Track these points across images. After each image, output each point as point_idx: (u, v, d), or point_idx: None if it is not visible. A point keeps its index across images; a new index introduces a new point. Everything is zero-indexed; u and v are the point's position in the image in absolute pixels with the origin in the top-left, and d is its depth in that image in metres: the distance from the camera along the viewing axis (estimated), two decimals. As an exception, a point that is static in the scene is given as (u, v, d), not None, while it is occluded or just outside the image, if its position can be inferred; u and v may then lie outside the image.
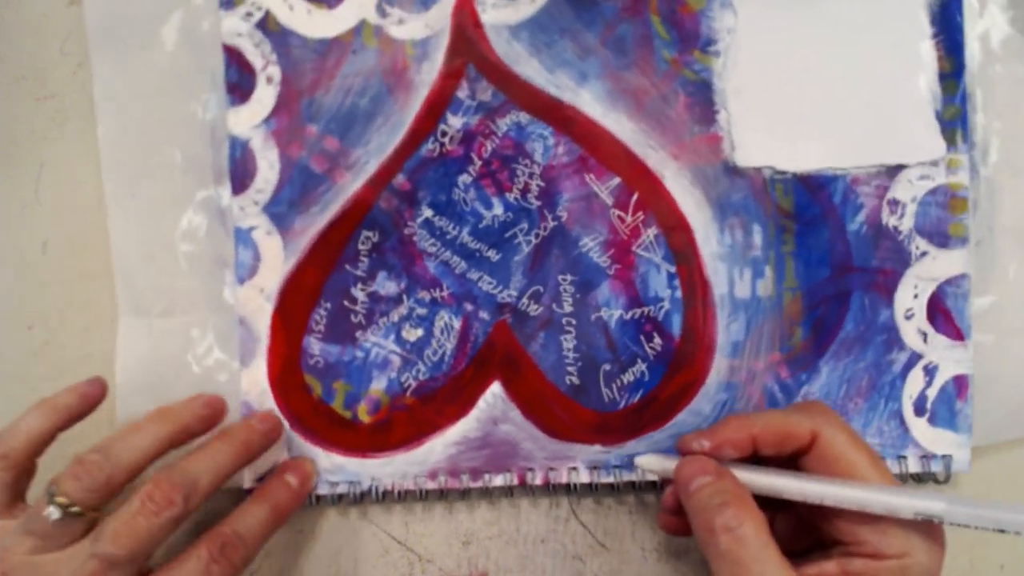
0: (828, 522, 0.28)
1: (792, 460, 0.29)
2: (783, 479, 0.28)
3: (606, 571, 0.35)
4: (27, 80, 0.36)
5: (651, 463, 0.31)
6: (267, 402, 0.34)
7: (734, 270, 0.34)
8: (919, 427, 0.34)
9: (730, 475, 0.28)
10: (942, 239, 0.33)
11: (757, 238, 0.34)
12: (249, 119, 0.34)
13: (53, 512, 0.27)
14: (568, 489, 0.34)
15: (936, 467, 0.33)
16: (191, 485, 0.28)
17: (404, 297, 0.34)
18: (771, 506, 0.29)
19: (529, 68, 0.34)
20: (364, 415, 0.34)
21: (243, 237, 0.34)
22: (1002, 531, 0.25)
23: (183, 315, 0.35)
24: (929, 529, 0.27)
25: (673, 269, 0.34)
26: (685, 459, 0.29)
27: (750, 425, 0.28)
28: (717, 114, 0.34)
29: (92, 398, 0.31)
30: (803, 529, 0.29)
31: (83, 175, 0.35)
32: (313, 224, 0.34)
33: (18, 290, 0.36)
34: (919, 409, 0.34)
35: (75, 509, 0.27)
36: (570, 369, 0.34)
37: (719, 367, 0.34)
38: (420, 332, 0.34)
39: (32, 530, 0.28)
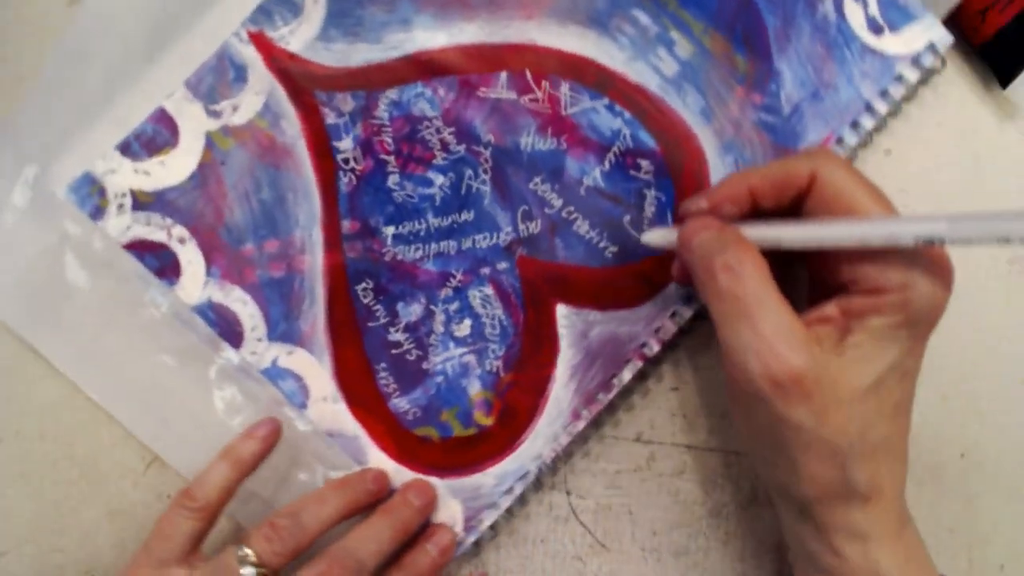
0: (831, 271, 0.27)
1: (795, 210, 0.28)
2: (781, 226, 0.27)
3: (606, 571, 0.35)
4: (27, 80, 0.35)
5: (656, 237, 0.31)
6: (405, 477, 0.34)
7: (650, 59, 0.34)
8: (887, 41, 0.33)
9: (732, 227, 0.28)
10: None
11: (643, 18, 0.34)
12: (195, 284, 0.34)
13: (248, 571, 0.29)
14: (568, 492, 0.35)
15: (927, 61, 0.33)
16: (359, 567, 0.30)
17: (432, 307, 0.34)
18: (776, 266, 0.27)
19: (360, 54, 0.34)
20: (485, 419, 0.34)
21: (274, 373, 0.34)
22: (1007, 241, 0.24)
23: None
24: (933, 260, 0.26)
25: (606, 100, 0.34)
26: (687, 221, 0.29)
27: (746, 177, 0.28)
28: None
29: (273, 441, 0.33)
30: (811, 289, 0.29)
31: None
32: (315, 317, 0.34)
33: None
34: (875, 28, 0.33)
35: (263, 570, 0.29)
36: (601, 245, 0.34)
37: (706, 138, 0.34)
38: (469, 321, 0.34)
39: None
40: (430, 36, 0.34)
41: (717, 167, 0.34)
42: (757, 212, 0.28)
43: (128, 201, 0.34)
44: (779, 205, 0.28)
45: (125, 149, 0.34)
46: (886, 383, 0.26)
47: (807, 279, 0.31)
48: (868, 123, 0.34)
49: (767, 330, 0.25)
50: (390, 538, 0.32)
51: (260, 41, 0.34)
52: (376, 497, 0.33)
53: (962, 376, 0.36)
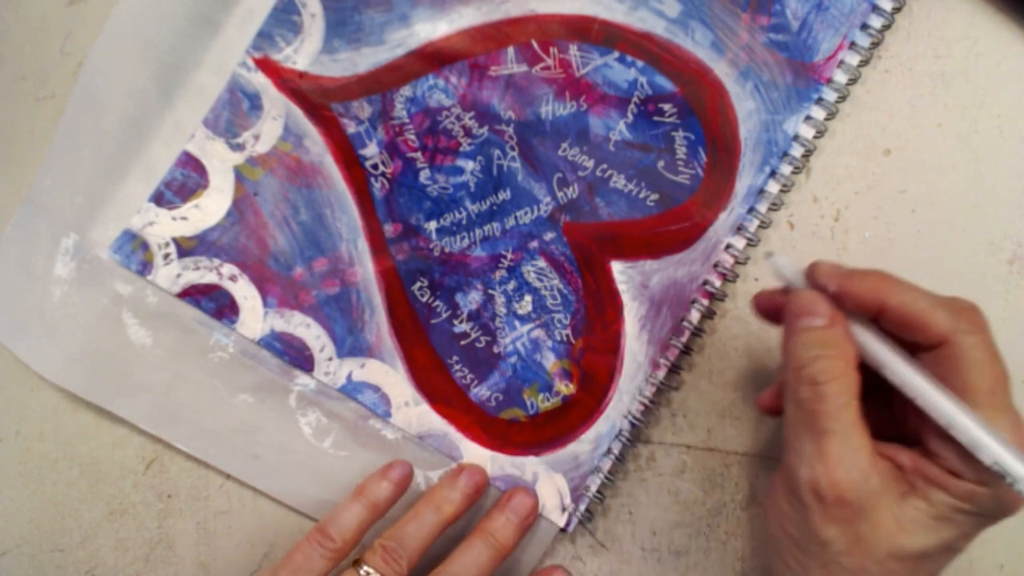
0: (921, 424, 0.26)
1: (909, 348, 0.26)
2: (894, 357, 0.26)
3: (606, 571, 0.35)
4: (27, 80, 0.35)
5: (785, 266, 0.28)
6: (501, 463, 0.35)
7: (651, 4, 0.34)
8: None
9: (842, 324, 0.26)
10: None
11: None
12: (255, 318, 0.34)
13: None
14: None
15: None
16: None
17: (490, 291, 0.35)
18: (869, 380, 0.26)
19: (366, 58, 0.34)
20: (567, 389, 0.35)
21: (351, 388, 0.34)
22: None
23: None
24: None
25: (616, 53, 0.34)
26: (804, 291, 0.27)
27: (887, 293, 0.26)
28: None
29: (405, 485, 0.33)
30: (891, 420, 0.28)
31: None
32: (379, 325, 0.34)
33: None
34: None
35: None
36: (642, 195, 0.34)
37: (722, 69, 0.34)
38: (529, 297, 0.35)
39: None
40: (431, 27, 0.34)
41: (738, 95, 0.34)
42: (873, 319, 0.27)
43: (173, 250, 0.34)
44: (896, 335, 0.26)
45: (159, 200, 0.34)
46: (933, 557, 0.26)
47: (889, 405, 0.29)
48: (877, 23, 0.34)
49: (831, 452, 0.25)
50: (490, 558, 0.32)
51: (267, 66, 0.34)
52: (469, 498, 0.33)
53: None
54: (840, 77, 0.34)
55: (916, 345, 0.26)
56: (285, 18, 0.34)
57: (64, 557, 0.35)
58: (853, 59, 0.34)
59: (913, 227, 0.35)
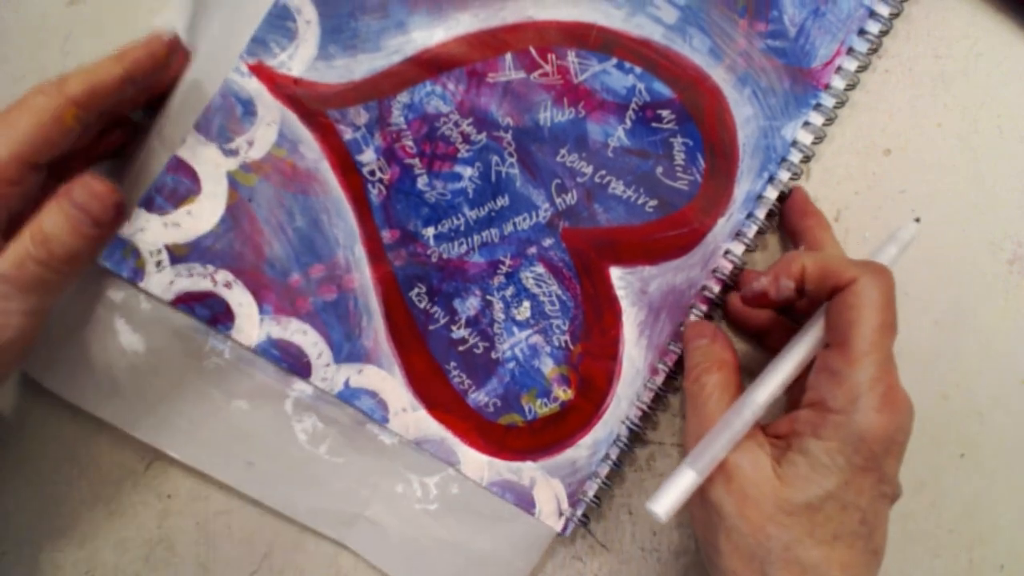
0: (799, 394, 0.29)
1: (827, 294, 0.29)
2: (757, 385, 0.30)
3: (606, 571, 0.35)
4: (27, 80, 0.35)
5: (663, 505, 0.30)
6: (498, 468, 0.34)
7: (649, 10, 0.34)
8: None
9: (722, 339, 0.32)
10: None
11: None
12: (251, 324, 0.34)
13: None
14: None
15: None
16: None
17: (488, 297, 0.34)
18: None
19: (363, 65, 0.34)
20: (565, 394, 0.34)
21: (348, 394, 0.34)
22: None
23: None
24: (886, 389, 0.27)
25: (614, 59, 0.34)
26: (692, 323, 0.33)
27: (802, 256, 0.30)
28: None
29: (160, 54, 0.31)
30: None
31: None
32: (376, 330, 0.34)
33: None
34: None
35: None
36: (640, 201, 0.34)
37: (720, 75, 0.34)
38: (527, 303, 0.35)
39: None
40: (428, 34, 0.34)
41: (736, 101, 0.34)
42: (802, 293, 0.30)
43: (165, 256, 0.33)
44: (819, 292, 0.29)
45: (148, 205, 0.33)
46: (823, 509, 0.27)
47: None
48: (875, 28, 0.34)
49: (706, 425, 0.29)
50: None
51: (261, 72, 0.34)
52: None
53: (962, 376, 0.36)
54: (838, 83, 0.34)
55: (833, 294, 0.29)
56: (279, 24, 0.33)
57: (64, 557, 0.35)
58: (851, 65, 0.34)
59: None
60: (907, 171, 0.35)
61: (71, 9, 0.35)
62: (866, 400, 0.27)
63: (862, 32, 0.34)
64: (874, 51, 0.34)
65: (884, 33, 0.34)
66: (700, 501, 0.29)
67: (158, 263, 0.33)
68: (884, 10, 0.34)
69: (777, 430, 0.29)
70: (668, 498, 0.28)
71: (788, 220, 0.34)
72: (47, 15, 0.35)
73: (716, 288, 0.34)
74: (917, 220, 0.32)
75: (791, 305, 0.31)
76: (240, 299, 0.34)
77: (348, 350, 0.34)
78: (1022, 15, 0.35)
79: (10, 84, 0.35)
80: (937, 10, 0.35)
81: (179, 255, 0.33)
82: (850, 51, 0.34)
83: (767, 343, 0.34)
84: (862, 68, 0.34)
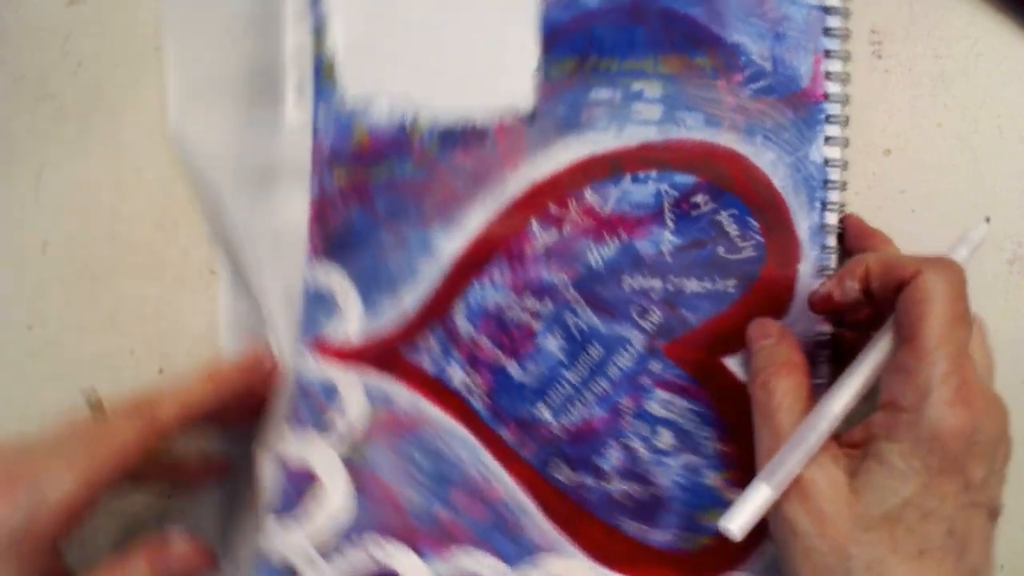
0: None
1: (893, 291, 0.28)
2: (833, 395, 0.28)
3: None
4: (27, 80, 0.35)
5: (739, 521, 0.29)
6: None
7: (634, 118, 0.34)
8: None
9: (789, 339, 0.31)
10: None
11: (603, 93, 0.34)
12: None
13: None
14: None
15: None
16: None
17: (625, 442, 0.34)
18: None
19: (409, 296, 0.34)
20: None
21: None
22: None
23: None
24: (959, 383, 0.26)
25: (627, 176, 0.34)
26: (756, 321, 0.32)
27: (866, 259, 0.29)
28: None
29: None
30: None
31: (83, 175, 0.35)
32: (538, 524, 0.34)
33: (18, 290, 0.36)
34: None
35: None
36: (719, 288, 0.34)
37: (727, 139, 0.34)
38: (664, 430, 0.34)
39: None
40: (451, 242, 0.34)
41: (754, 152, 0.34)
42: (869, 294, 0.29)
43: (315, 554, 0.33)
44: (885, 291, 0.28)
45: (278, 513, 0.33)
46: (903, 520, 0.25)
47: None
48: (836, 22, 0.34)
49: (781, 439, 0.28)
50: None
51: (323, 348, 0.34)
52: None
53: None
54: (833, 88, 0.34)
55: (899, 286, 0.27)
56: (317, 298, 0.34)
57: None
58: (835, 66, 0.34)
59: (913, 227, 0.35)
60: (907, 171, 0.35)
61: (71, 9, 0.35)
62: (937, 395, 0.25)
63: (827, 31, 0.34)
64: (847, 37, 0.34)
65: (847, 16, 0.34)
66: (776, 518, 0.28)
67: (312, 562, 0.33)
68: (834, 1, 0.34)
69: (852, 438, 0.28)
70: (742, 515, 0.27)
71: (851, 247, 0.34)
72: (47, 15, 0.36)
73: (828, 327, 0.34)
74: (987, 220, 0.31)
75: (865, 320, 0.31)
76: (402, 559, 0.34)
77: (516, 552, 0.34)
78: (1022, 15, 0.35)
79: (10, 84, 0.35)
80: (937, 10, 0.35)
81: (326, 548, 0.33)
82: (827, 53, 0.34)
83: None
84: (846, 59, 0.34)
